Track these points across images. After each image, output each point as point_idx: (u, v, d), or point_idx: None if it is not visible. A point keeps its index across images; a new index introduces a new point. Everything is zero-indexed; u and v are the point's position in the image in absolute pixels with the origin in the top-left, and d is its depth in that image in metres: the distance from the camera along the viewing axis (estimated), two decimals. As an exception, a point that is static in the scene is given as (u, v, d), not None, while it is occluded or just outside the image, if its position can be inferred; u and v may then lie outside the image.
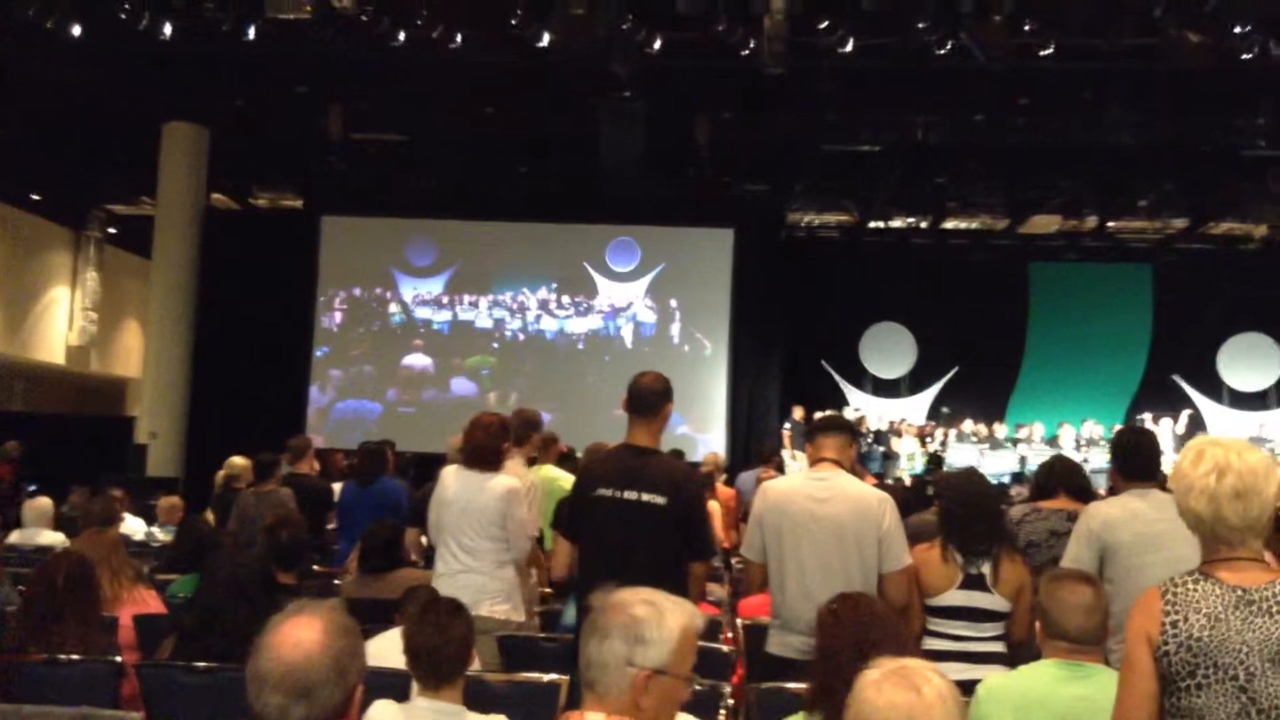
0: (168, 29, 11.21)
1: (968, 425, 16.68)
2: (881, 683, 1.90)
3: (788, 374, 16.95)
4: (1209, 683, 2.43)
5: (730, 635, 5.36)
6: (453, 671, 3.23)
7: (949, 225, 17.84)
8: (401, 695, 3.23)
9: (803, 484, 4.43)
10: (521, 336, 16.53)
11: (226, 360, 15.63)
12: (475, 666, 4.29)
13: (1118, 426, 13.78)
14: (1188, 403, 17.45)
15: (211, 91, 14.06)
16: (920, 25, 10.74)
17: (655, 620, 2.25)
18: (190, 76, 13.42)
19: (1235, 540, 2.49)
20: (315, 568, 7.04)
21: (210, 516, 9.30)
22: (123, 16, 11.00)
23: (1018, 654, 4.24)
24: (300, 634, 2.00)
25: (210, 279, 15.44)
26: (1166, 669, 2.47)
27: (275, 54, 11.85)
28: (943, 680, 1.92)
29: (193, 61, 12.52)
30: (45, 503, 8.02)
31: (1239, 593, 2.46)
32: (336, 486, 8.42)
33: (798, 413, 15.49)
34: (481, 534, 5.09)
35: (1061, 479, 5.19)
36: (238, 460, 9.44)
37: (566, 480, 5.93)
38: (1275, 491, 2.48)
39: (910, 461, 15.93)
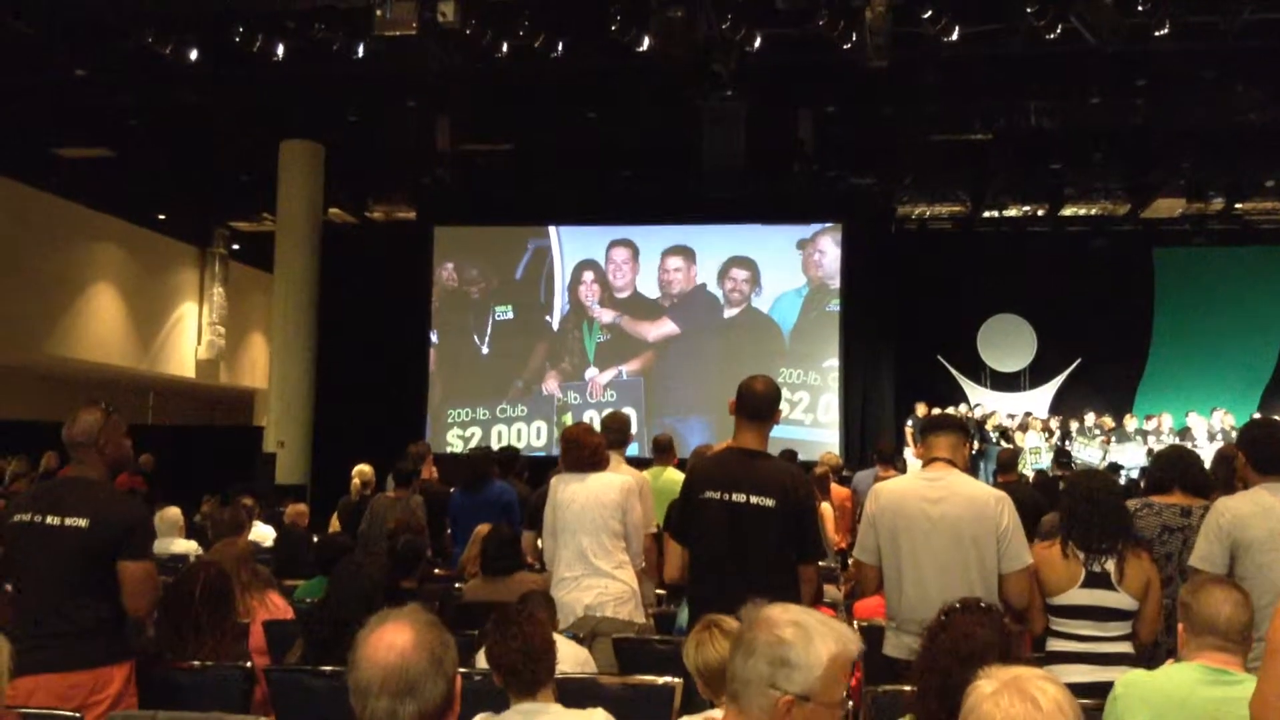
0: (280, 50, 11.54)
1: (1089, 418, 16.21)
2: (998, 695, 1.86)
3: (902, 370, 16.70)
4: None
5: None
6: (538, 677, 3.24)
7: (1067, 212, 17.37)
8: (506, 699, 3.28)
9: (916, 484, 4.33)
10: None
11: (348, 369, 16.06)
12: (592, 668, 4.33)
13: (1256, 415, 13.30)
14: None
15: (325, 109, 14.45)
16: (1028, 9, 10.49)
17: (803, 644, 2.11)
18: (304, 95, 13.80)
19: None
20: (436, 571, 7.18)
21: (336, 522, 9.62)
22: (237, 40, 11.36)
23: (1145, 656, 4.11)
24: (392, 638, 2.09)
25: (330, 290, 15.86)
26: None
27: (384, 70, 12.12)
28: (1058, 688, 1.88)
29: (306, 81, 12.86)
30: (175, 512, 8.29)
31: None
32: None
33: (921, 410, 15.21)
34: (602, 530, 5.14)
35: (1177, 472, 4.99)
36: (367, 468, 9.80)
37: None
38: None
39: (1035, 456, 15.51)
